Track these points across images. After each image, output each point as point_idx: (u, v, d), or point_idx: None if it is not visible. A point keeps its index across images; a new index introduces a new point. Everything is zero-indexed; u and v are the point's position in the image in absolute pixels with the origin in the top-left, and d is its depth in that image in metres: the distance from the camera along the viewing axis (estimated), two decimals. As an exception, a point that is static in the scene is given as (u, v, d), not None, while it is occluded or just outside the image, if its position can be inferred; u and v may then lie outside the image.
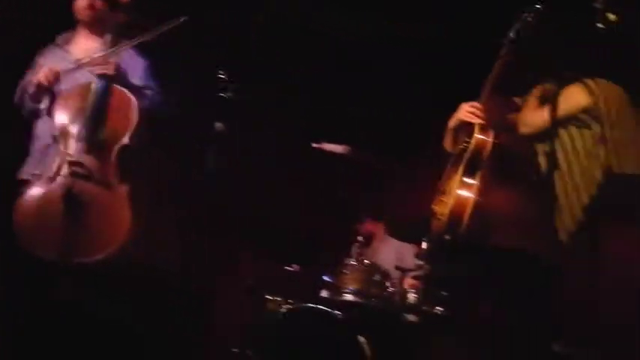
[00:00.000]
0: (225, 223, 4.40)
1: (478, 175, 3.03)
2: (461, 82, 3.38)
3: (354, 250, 4.02)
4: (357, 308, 3.83)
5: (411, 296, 3.87)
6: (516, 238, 3.06)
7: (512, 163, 3.16)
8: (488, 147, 3.04)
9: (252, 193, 4.70)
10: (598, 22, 2.60)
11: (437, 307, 3.64)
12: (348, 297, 3.84)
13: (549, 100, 2.70)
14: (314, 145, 3.92)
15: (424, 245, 3.61)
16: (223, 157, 3.13)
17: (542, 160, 2.92)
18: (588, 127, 2.88)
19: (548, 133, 2.69)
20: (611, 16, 2.62)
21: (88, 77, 3.29)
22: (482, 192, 3.02)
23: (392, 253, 4.55)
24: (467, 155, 3.05)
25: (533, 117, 2.95)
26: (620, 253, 2.74)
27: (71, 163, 3.11)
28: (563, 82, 2.69)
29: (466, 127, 3.12)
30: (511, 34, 3.06)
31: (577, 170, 2.88)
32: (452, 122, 3.22)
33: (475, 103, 3.10)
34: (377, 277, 3.90)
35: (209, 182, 3.28)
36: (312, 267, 4.27)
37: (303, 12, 4.63)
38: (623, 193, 2.81)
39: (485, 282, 3.13)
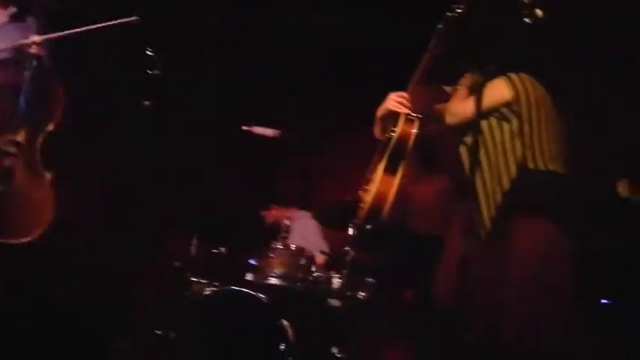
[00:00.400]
0: (153, 205, 4.34)
1: (401, 165, 3.07)
2: (393, 71, 3.40)
3: (280, 234, 4.02)
4: (281, 292, 3.84)
5: (336, 281, 3.90)
6: (436, 227, 3.12)
7: (437, 154, 3.21)
8: (412, 137, 3.07)
9: (181, 174, 4.65)
10: (525, 17, 2.63)
11: (360, 293, 3.68)
12: (273, 280, 3.84)
13: (475, 91, 2.73)
14: (244, 127, 3.88)
15: (350, 231, 3.65)
16: (151, 136, 3.09)
17: (463, 152, 2.96)
18: (508, 120, 2.92)
19: (471, 125, 2.73)
20: (538, 12, 2.66)
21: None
22: (404, 182, 3.06)
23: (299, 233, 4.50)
24: (391, 145, 3.08)
25: (459, 107, 2.98)
26: (527, 248, 2.79)
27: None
28: (489, 74, 2.72)
29: (393, 117, 3.14)
30: (440, 26, 3.10)
31: (494, 164, 2.91)
32: (380, 111, 3.24)
33: (402, 93, 3.13)
34: (303, 262, 3.91)
35: (138, 162, 3.23)
36: (239, 250, 4.25)
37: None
38: (535, 188, 2.87)
39: (407, 268, 3.18)
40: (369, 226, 3.20)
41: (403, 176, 3.06)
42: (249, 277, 3.92)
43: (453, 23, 3.08)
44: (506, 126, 2.93)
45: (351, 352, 3.37)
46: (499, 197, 2.87)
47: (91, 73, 4.01)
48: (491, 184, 2.90)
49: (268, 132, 3.88)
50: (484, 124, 2.92)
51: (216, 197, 4.63)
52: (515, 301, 2.72)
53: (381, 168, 3.11)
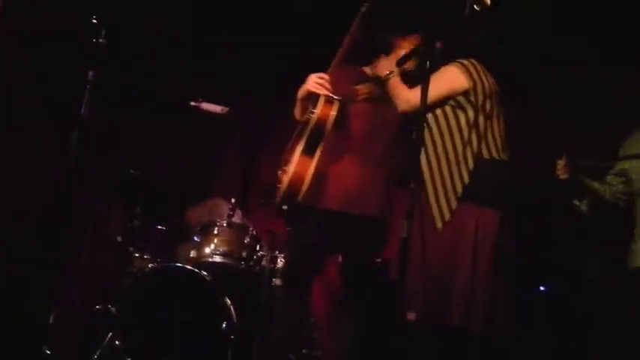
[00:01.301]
0: (97, 179, 4.27)
1: (320, 147, 3.06)
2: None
3: (225, 211, 4.01)
4: (225, 270, 3.82)
5: (280, 261, 3.91)
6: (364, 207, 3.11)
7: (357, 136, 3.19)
8: (332, 119, 3.05)
9: (126, 148, 4.58)
10: (474, 4, 2.64)
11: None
12: (217, 259, 3.83)
13: (419, 76, 2.72)
14: (192, 103, 3.82)
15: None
16: (95, 107, 3.01)
17: (413, 138, 2.87)
18: (463, 109, 2.91)
19: (420, 112, 2.66)
20: (487, 1, 2.67)
21: None
22: (322, 164, 3.06)
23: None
24: (310, 126, 3.06)
25: (412, 94, 2.89)
26: (478, 236, 2.83)
27: None
28: (437, 60, 2.69)
29: (314, 98, 3.11)
30: (362, 9, 3.06)
31: (451, 153, 2.89)
32: (300, 92, 3.20)
33: (323, 74, 3.09)
34: (247, 240, 3.91)
35: (81, 133, 3.14)
36: (183, 226, 4.22)
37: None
38: (489, 179, 2.90)
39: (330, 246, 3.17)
40: (284, 207, 3.22)
41: (321, 157, 3.05)
42: (192, 254, 3.90)
43: (375, 7, 3.05)
44: (462, 115, 2.91)
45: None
46: (460, 188, 2.86)
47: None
48: (448, 173, 2.89)
49: (217, 108, 3.83)
50: (439, 111, 2.93)
51: (161, 173, 4.57)
52: (464, 286, 2.76)
53: (299, 149, 3.10)
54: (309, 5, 4.51)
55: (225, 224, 3.91)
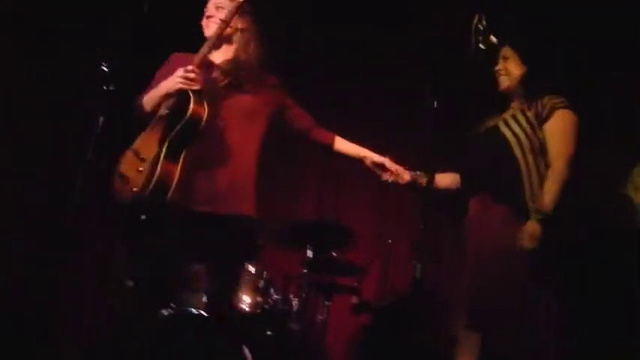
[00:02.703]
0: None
1: (186, 148, 2.78)
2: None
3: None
4: (239, 316, 3.78)
5: (295, 304, 3.88)
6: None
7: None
8: (204, 119, 2.78)
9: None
10: (479, 43, 2.65)
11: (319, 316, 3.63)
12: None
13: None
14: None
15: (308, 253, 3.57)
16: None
17: None
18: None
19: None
20: (493, 39, 2.69)
21: None
22: (189, 167, 2.78)
23: None
24: (180, 126, 2.75)
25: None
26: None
27: None
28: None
29: (176, 93, 2.80)
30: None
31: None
32: (168, 89, 2.82)
33: (193, 68, 2.78)
34: (261, 284, 3.88)
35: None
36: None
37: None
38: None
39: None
40: (143, 216, 2.83)
41: (189, 161, 2.77)
42: (204, 299, 3.86)
43: None
44: None
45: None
46: None
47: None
48: None
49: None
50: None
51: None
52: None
53: (161, 148, 2.75)
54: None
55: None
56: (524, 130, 2.97)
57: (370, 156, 3.20)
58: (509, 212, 2.91)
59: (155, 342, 3.55)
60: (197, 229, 2.82)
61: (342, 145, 3.22)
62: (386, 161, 3.17)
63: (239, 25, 2.97)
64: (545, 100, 3.00)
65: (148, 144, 2.83)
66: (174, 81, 2.79)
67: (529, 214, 2.87)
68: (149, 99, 2.91)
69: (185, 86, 2.76)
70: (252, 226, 2.96)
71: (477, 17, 2.63)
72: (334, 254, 4.27)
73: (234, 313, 3.74)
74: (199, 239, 2.86)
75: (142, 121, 2.91)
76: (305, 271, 4.12)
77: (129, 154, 2.85)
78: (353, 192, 4.96)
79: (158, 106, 2.87)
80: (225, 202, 2.87)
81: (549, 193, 2.86)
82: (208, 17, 2.97)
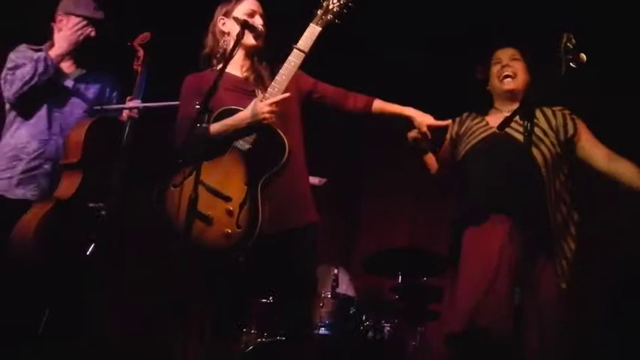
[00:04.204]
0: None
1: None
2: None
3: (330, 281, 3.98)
4: (331, 342, 3.79)
5: (387, 330, 3.85)
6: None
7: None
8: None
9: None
10: (570, 62, 2.56)
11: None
12: (323, 331, 3.80)
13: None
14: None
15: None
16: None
17: None
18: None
19: None
20: (583, 56, 2.59)
21: None
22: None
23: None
24: (277, 167, 2.70)
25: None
26: None
27: None
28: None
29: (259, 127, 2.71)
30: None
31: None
32: (243, 121, 2.71)
33: (274, 101, 2.70)
34: (352, 311, 3.87)
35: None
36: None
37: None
38: None
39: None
40: (242, 259, 2.70)
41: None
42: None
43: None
44: None
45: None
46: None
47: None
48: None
49: (314, 180, 3.84)
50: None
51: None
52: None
53: (244, 187, 2.67)
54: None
55: (329, 295, 3.89)
56: (548, 148, 2.87)
57: (415, 113, 2.91)
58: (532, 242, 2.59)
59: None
60: (270, 254, 2.72)
61: (381, 104, 2.97)
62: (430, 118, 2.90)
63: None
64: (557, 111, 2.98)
65: (225, 179, 2.68)
66: (256, 114, 2.67)
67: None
68: (221, 127, 2.71)
69: (271, 120, 2.69)
70: (318, 233, 2.84)
71: (565, 36, 2.54)
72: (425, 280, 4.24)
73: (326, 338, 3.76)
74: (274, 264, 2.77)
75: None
76: (397, 297, 4.09)
77: (204, 192, 2.59)
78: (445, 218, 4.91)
79: (226, 137, 2.72)
80: (291, 217, 2.75)
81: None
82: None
